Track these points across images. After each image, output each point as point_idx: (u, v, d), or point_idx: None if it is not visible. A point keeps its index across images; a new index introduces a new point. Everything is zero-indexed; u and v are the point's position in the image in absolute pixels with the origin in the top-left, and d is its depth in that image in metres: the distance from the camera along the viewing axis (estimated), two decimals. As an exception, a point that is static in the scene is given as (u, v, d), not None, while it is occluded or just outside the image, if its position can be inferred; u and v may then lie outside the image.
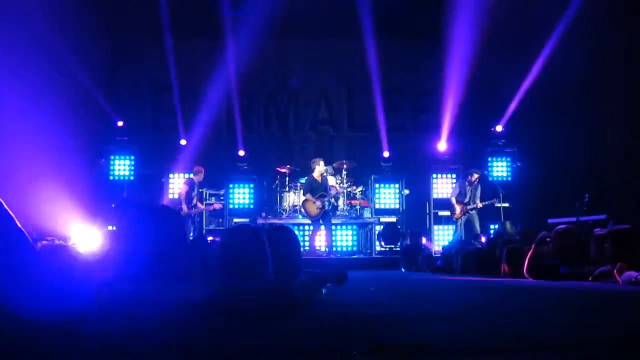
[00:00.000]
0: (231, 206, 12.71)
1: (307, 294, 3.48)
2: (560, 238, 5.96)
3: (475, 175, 11.54)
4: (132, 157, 12.95)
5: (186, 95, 13.55)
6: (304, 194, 11.07)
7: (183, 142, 13.18)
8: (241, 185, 12.85)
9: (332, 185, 11.54)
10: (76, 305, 2.54)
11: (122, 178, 12.84)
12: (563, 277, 5.62)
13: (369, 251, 12.05)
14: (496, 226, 11.87)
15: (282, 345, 2.21)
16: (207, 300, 2.70)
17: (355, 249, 12.05)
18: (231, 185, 12.79)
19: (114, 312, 2.61)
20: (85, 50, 11.95)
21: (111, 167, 12.98)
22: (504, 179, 13.09)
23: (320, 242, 11.30)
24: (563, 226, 6.17)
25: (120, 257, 3.00)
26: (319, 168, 10.99)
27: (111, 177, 12.92)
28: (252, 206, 12.74)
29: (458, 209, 11.45)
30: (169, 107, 13.56)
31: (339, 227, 11.84)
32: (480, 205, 11.31)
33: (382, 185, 12.89)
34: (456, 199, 11.55)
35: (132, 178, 12.87)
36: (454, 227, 11.85)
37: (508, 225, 10.84)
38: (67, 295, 2.57)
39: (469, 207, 11.39)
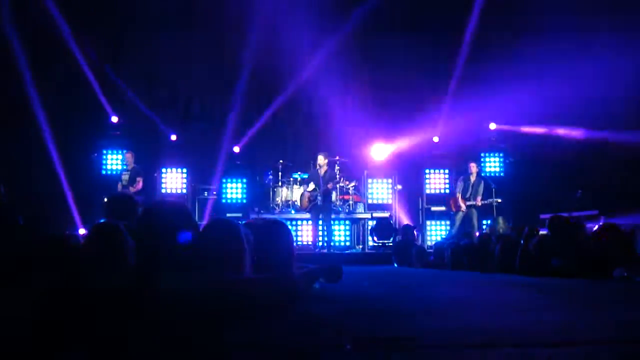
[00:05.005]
0: (224, 201, 12.71)
1: (301, 289, 3.48)
2: (554, 225, 5.99)
3: (473, 165, 11.61)
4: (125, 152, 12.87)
5: (179, 89, 13.53)
6: (303, 186, 11.59)
7: (173, 137, 13.15)
8: (234, 180, 12.84)
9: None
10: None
11: (115, 172, 12.74)
12: (555, 270, 5.62)
13: (361, 246, 12.06)
14: (489, 222, 11.91)
15: (275, 339, 2.21)
16: (206, 293, 2.71)
17: (348, 244, 12.06)
18: (224, 180, 12.78)
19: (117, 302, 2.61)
20: (79, 43, 11.91)
21: (104, 162, 12.89)
22: (497, 174, 13.13)
23: (316, 237, 11.35)
24: (553, 214, 6.21)
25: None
26: (317, 162, 11.10)
27: (104, 172, 12.84)
28: (245, 201, 12.74)
29: (463, 205, 11.45)
30: (162, 101, 13.51)
31: (332, 222, 11.84)
32: (479, 203, 11.34)
33: (375, 180, 12.91)
34: (462, 194, 11.58)
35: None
36: (451, 222, 11.89)
37: (501, 220, 10.87)
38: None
39: (468, 202, 11.42)
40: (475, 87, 12.94)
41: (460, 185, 11.69)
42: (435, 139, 13.30)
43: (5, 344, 2.10)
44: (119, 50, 13.08)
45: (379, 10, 12.48)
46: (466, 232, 10.91)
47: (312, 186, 11.18)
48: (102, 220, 3.80)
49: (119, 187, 11.12)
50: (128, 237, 3.09)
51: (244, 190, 12.83)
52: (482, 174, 12.18)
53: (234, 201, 12.80)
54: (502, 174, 13.19)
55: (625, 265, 5.05)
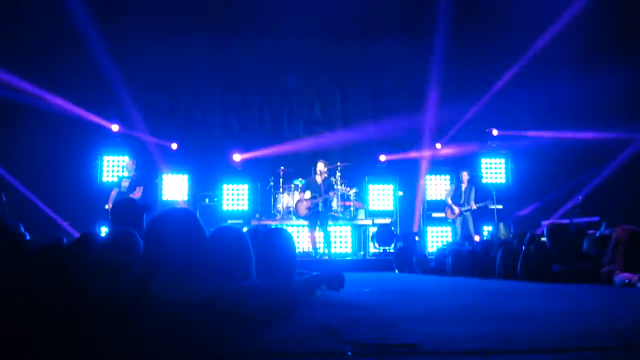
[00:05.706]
0: (225, 208, 12.68)
1: (302, 296, 3.49)
2: (552, 233, 5.99)
3: (465, 174, 11.67)
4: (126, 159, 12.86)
5: (180, 95, 13.57)
6: (300, 193, 11.29)
7: (174, 145, 13.11)
8: (235, 186, 12.82)
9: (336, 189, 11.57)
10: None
11: (116, 180, 12.71)
12: (556, 276, 5.62)
13: (362, 253, 12.04)
14: (490, 228, 11.89)
15: (276, 346, 2.22)
16: (207, 301, 2.71)
17: (349, 250, 12.04)
18: (225, 187, 12.76)
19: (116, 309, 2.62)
20: (78, 50, 11.93)
21: (106, 169, 12.87)
22: (499, 181, 13.13)
23: (316, 243, 11.30)
24: (552, 221, 6.22)
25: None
26: (317, 169, 11.02)
27: (105, 180, 12.80)
28: (246, 208, 12.71)
29: (456, 209, 11.48)
30: (162, 107, 13.53)
31: (333, 228, 11.83)
32: (474, 206, 11.37)
33: (376, 186, 12.91)
34: (452, 199, 11.61)
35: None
36: (452, 229, 11.89)
37: (502, 227, 10.86)
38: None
39: (462, 208, 11.44)
40: (477, 92, 12.99)
41: (450, 191, 11.77)
42: (438, 146, 13.29)
43: (6, 344, 2.11)
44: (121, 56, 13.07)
45: (375, 13, 12.51)
46: (467, 236, 10.91)
47: (308, 194, 11.04)
48: (105, 226, 3.82)
49: (114, 192, 11.04)
50: (140, 245, 3.10)
51: (246, 197, 12.80)
52: (479, 180, 12.28)
53: (235, 208, 12.76)
54: (503, 181, 13.19)
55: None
